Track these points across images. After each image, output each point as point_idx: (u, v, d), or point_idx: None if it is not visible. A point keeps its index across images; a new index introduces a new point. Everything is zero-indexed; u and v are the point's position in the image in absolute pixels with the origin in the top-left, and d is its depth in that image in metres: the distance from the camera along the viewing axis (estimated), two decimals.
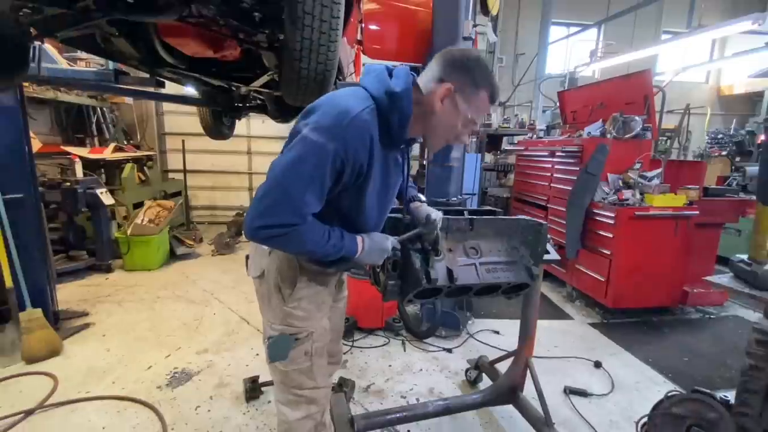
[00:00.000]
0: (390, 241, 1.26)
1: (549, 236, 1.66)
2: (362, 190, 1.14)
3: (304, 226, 1.04)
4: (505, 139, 7.00)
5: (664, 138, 7.54)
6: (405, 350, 2.94)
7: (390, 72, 1.16)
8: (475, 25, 2.94)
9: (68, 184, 4.07)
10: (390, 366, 2.73)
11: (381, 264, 1.38)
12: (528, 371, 2.00)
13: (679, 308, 3.75)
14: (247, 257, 1.40)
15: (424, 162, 3.83)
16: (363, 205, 1.18)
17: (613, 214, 3.35)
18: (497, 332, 3.25)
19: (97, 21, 1.65)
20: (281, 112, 3.34)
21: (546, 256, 1.63)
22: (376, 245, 1.23)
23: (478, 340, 3.11)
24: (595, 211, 3.54)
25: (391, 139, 1.14)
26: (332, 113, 1.03)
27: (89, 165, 4.76)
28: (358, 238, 1.20)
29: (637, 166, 3.63)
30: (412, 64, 2.99)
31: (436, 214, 1.34)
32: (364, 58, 3.44)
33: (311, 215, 1.06)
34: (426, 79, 1.16)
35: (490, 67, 1.17)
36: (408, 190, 1.50)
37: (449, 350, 2.94)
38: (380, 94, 1.10)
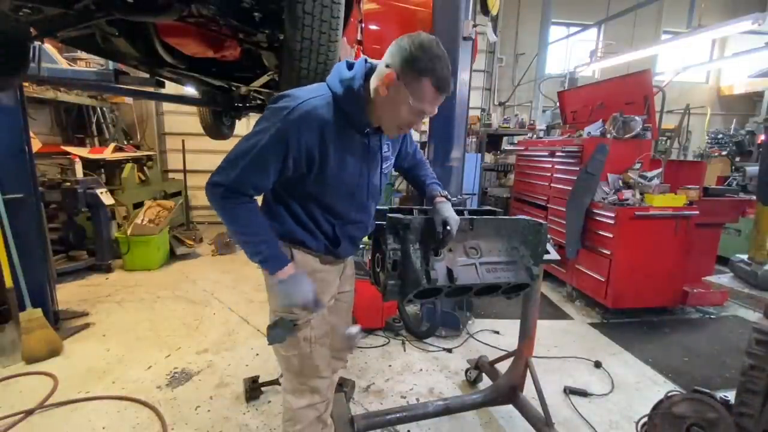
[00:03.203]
0: (310, 299, 1.24)
1: (549, 236, 1.66)
2: (323, 174, 1.20)
3: (245, 203, 1.16)
4: (505, 139, 7.01)
5: (664, 138, 7.54)
6: (405, 350, 2.94)
7: (351, 65, 1.21)
8: (475, 25, 2.93)
9: (68, 184, 4.08)
10: (390, 366, 2.73)
11: (382, 261, 1.39)
12: (528, 371, 2.00)
13: (679, 308, 3.75)
14: None
15: None
16: (329, 190, 1.24)
17: (613, 214, 3.34)
18: (497, 332, 3.25)
19: (97, 21, 1.65)
20: None
21: (546, 256, 1.63)
22: (296, 287, 1.23)
23: (478, 340, 3.11)
24: (595, 211, 3.54)
25: (352, 124, 1.20)
26: (284, 101, 1.14)
27: (89, 165, 4.76)
28: (288, 267, 1.22)
29: (637, 166, 3.63)
30: None
31: (449, 213, 1.35)
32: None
33: (253, 198, 1.17)
34: (379, 66, 1.17)
35: (437, 48, 1.10)
36: (432, 186, 1.55)
37: (449, 350, 2.94)
38: (335, 83, 1.18)
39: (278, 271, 1.21)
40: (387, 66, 1.12)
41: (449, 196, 1.48)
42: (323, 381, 1.39)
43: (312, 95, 1.15)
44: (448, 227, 1.32)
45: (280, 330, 1.29)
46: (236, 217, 1.17)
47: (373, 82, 1.17)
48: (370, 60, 1.22)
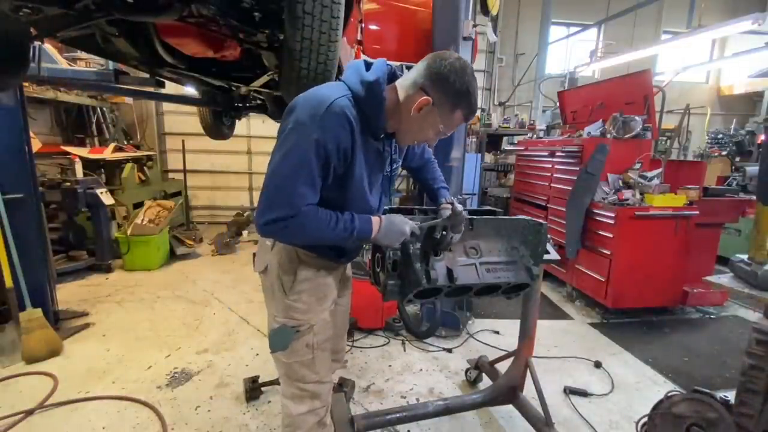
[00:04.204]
0: (409, 225, 1.26)
1: (549, 236, 1.66)
2: (346, 177, 1.17)
3: (302, 217, 1.09)
4: (505, 139, 7.01)
5: (664, 138, 7.54)
6: (405, 350, 2.94)
7: (369, 65, 1.20)
8: (475, 25, 2.93)
9: (68, 184, 4.07)
10: (390, 366, 2.73)
11: (382, 261, 1.39)
12: (528, 371, 2.00)
13: (679, 308, 3.75)
14: (254, 254, 1.44)
15: None
16: (347, 195, 1.21)
17: (613, 214, 3.34)
18: (497, 332, 3.25)
19: (97, 21, 1.65)
20: (281, 112, 3.32)
21: (546, 256, 1.63)
22: (394, 227, 1.24)
23: (478, 340, 3.11)
24: (595, 211, 3.54)
25: (369, 128, 1.18)
26: (310, 106, 1.09)
27: (89, 165, 4.76)
28: (374, 219, 1.22)
29: (637, 166, 3.63)
30: (412, 64, 2.99)
31: (461, 207, 1.36)
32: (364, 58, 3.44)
33: (309, 205, 1.11)
34: (409, 80, 1.17)
35: (473, 80, 1.15)
36: (441, 191, 1.55)
37: (449, 350, 2.94)
38: (355, 84, 1.15)
39: (372, 233, 1.21)
40: (422, 89, 1.13)
41: (455, 202, 1.48)
42: (324, 386, 1.38)
43: (338, 94, 1.11)
44: (459, 208, 1.33)
45: (283, 337, 1.27)
46: (307, 231, 1.12)
47: (401, 93, 1.17)
48: (389, 62, 1.22)
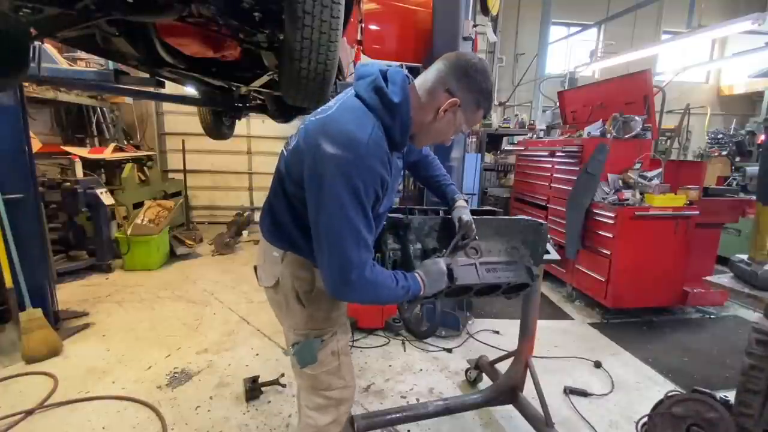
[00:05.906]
0: (443, 262, 1.27)
1: (549, 236, 1.65)
2: (378, 203, 1.14)
3: (370, 271, 1.08)
4: (505, 139, 7.01)
5: (664, 138, 7.54)
6: (405, 350, 2.94)
7: (384, 75, 1.12)
8: (475, 25, 2.93)
9: (68, 184, 4.08)
10: (390, 366, 2.73)
11: (382, 261, 1.38)
12: (528, 371, 2.00)
13: (679, 308, 3.75)
14: (256, 268, 1.40)
15: None
16: (378, 211, 1.17)
17: (613, 214, 3.35)
18: (497, 332, 3.25)
19: (97, 21, 1.64)
20: (281, 112, 3.33)
21: (546, 256, 1.63)
22: (434, 275, 1.24)
23: (478, 340, 3.11)
24: (595, 211, 3.54)
25: (394, 146, 1.14)
26: (345, 148, 1.01)
27: (89, 165, 4.76)
28: (416, 275, 1.22)
29: (637, 166, 3.63)
30: (412, 64, 2.99)
31: (467, 216, 1.38)
32: (364, 59, 3.44)
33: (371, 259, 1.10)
34: (430, 82, 1.13)
35: (490, 74, 1.17)
36: (449, 187, 1.55)
37: (449, 350, 2.94)
38: (379, 106, 1.08)
39: (421, 290, 1.22)
40: (448, 90, 1.11)
41: (466, 200, 1.49)
42: (350, 390, 1.37)
43: (369, 127, 1.05)
44: (465, 219, 1.35)
45: (310, 350, 1.24)
46: (377, 287, 1.10)
47: (423, 96, 1.13)
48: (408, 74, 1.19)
